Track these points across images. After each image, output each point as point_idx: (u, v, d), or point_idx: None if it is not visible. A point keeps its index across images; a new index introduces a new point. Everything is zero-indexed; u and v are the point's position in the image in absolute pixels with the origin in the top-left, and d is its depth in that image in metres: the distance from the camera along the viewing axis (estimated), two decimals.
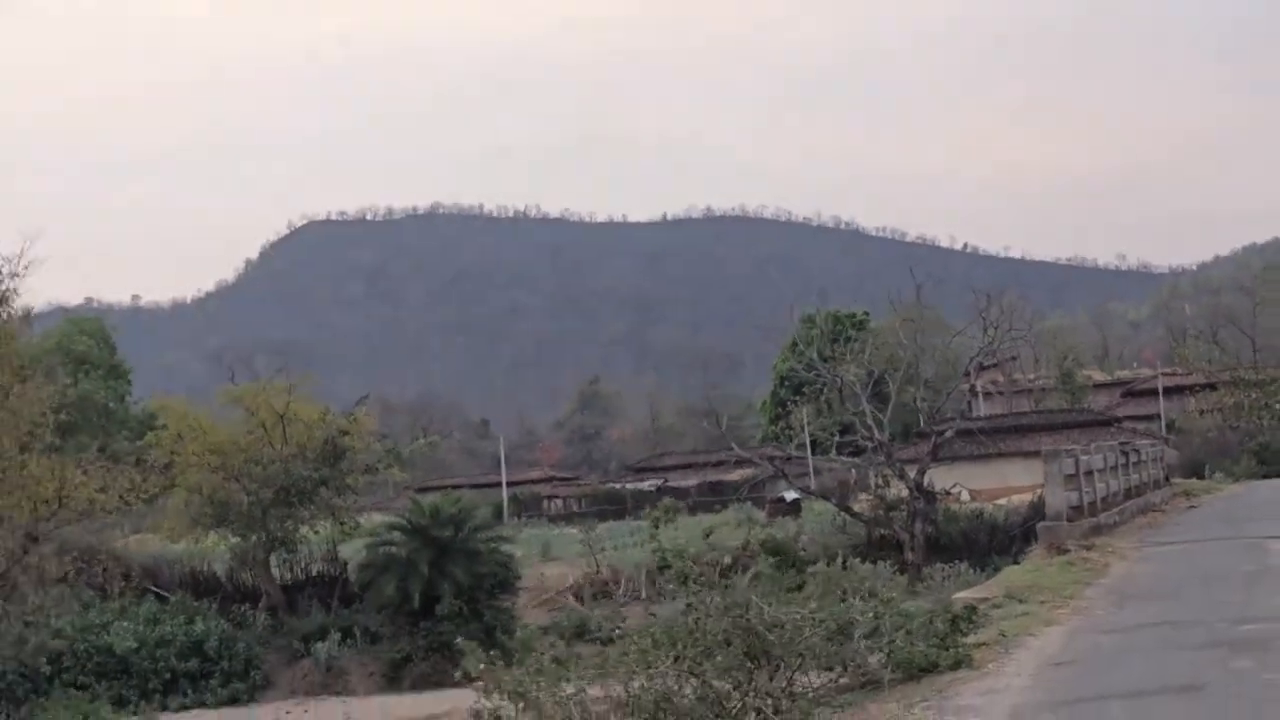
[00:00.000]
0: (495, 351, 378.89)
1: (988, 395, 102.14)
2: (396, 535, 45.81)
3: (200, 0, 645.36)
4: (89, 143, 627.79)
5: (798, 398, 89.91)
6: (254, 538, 47.53)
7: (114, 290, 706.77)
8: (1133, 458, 33.52)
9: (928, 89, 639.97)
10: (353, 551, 49.98)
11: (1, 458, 29.34)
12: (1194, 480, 50.12)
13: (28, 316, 32.28)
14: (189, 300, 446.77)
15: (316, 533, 49.31)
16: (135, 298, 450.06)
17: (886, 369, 57.71)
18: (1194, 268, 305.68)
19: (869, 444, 50.31)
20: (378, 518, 51.89)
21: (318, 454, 47.91)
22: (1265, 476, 58.37)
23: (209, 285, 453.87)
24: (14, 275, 31.72)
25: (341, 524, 48.93)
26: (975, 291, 46.97)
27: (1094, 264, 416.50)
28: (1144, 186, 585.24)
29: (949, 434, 50.91)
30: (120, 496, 34.20)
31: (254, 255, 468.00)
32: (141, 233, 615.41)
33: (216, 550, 51.21)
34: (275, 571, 49.70)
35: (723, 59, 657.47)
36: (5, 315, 31.40)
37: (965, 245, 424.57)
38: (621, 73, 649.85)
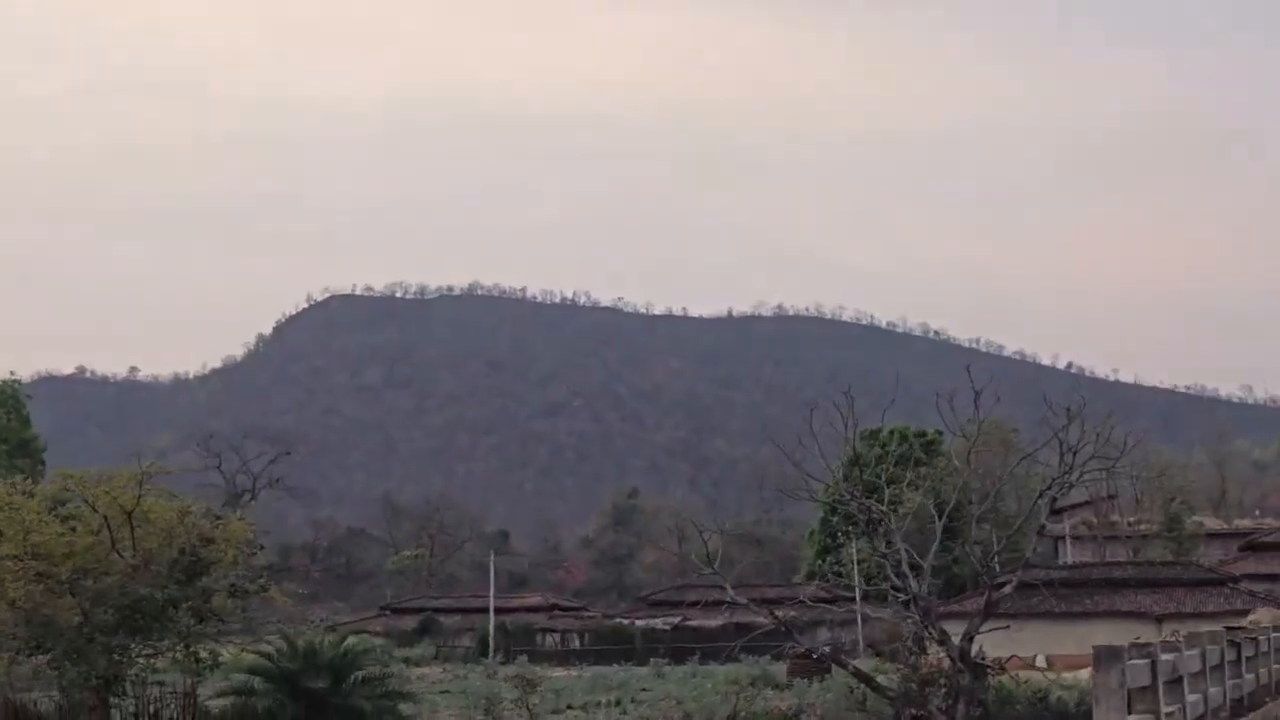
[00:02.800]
0: (527, 454, 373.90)
1: (1077, 539, 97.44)
2: (257, 681, 38.62)
3: (215, 36, 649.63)
4: (85, 191, 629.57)
5: (850, 528, 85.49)
6: (75, 671, 40.02)
7: (111, 361, 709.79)
8: (1246, 650, 26.05)
9: (1046, 189, 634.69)
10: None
11: None
12: None
13: None
14: (191, 376, 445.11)
15: (156, 669, 41.92)
16: (133, 370, 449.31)
17: (958, 499, 51.71)
18: None
19: (900, 595, 43.48)
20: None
21: (169, 567, 40.57)
22: None
23: (216, 361, 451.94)
24: None
25: (197, 658, 41.29)
26: (1049, 403, 40.27)
27: (1215, 394, 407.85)
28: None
29: (1008, 589, 43.84)
30: None
31: (267, 330, 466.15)
32: (149, 298, 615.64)
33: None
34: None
35: (804, 140, 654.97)
36: None
37: (1070, 365, 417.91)
38: (690, 148, 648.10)
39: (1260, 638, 28.69)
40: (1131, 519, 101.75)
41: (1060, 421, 40.88)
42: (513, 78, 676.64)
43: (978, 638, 42.69)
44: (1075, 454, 40.79)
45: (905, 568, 42.15)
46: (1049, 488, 43.66)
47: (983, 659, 43.07)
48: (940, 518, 48.09)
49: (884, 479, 60.18)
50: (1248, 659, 26.32)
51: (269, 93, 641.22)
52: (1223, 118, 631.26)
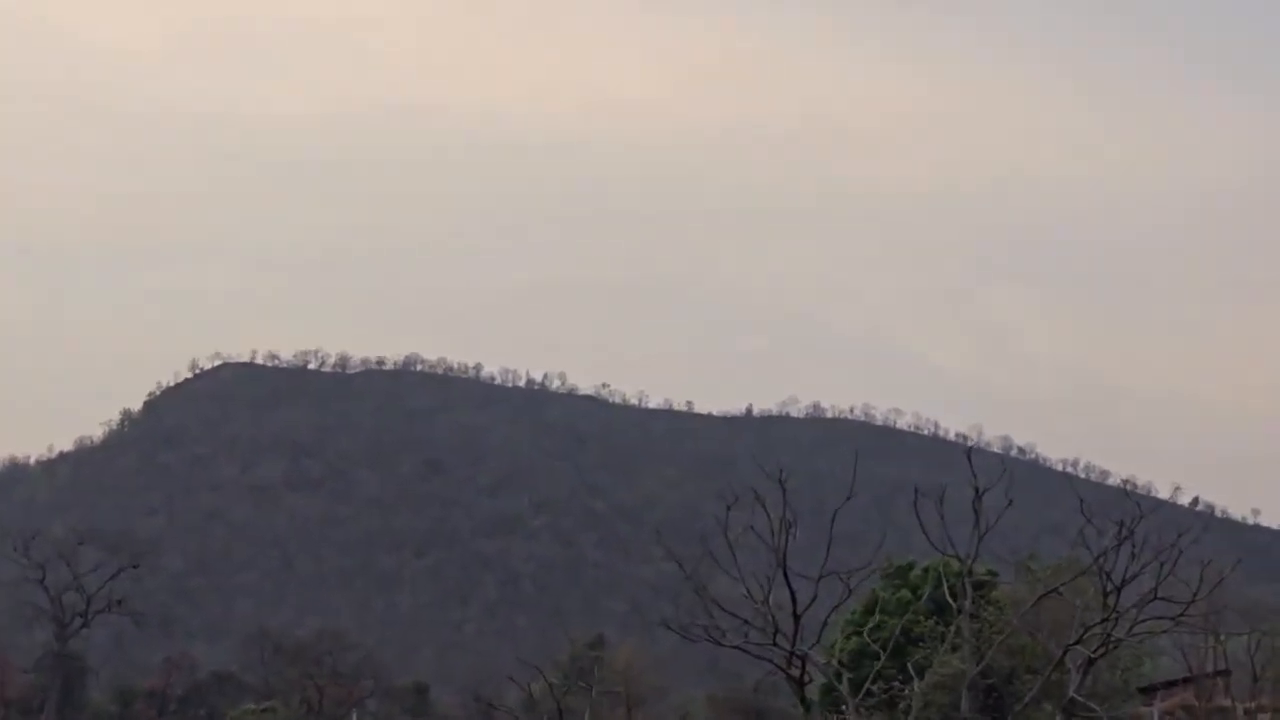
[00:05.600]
0: (470, 584, 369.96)
1: None
2: None
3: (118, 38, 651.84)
4: None
5: (860, 699, 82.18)
6: None
7: None
8: None
9: (1187, 271, 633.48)
10: None
11: None
12: None
13: None
14: (32, 462, 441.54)
15: None
16: None
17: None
18: None
19: None
20: None
21: None
22: None
23: (66, 443, 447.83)
24: None
25: None
26: (1088, 516, 36.22)
27: None
28: None
29: None
30: None
31: (136, 406, 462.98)
32: None
33: None
34: None
35: (866, 198, 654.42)
36: None
37: (1195, 501, 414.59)
38: (713, 196, 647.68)
39: None
40: (1248, 704, 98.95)
41: (1101, 538, 36.85)
42: (493, 98, 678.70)
43: None
44: (1120, 590, 36.79)
45: None
46: (1078, 641, 39.57)
47: None
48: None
49: (913, 632, 57.47)
50: None
51: (172, 105, 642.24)
52: None
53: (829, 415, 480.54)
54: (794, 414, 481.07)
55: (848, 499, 44.27)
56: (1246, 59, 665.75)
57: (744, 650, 44.33)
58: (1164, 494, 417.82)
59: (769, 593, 41.06)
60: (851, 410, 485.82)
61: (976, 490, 40.02)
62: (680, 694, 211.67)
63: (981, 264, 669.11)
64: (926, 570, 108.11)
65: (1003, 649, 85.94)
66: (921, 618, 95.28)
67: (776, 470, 40.70)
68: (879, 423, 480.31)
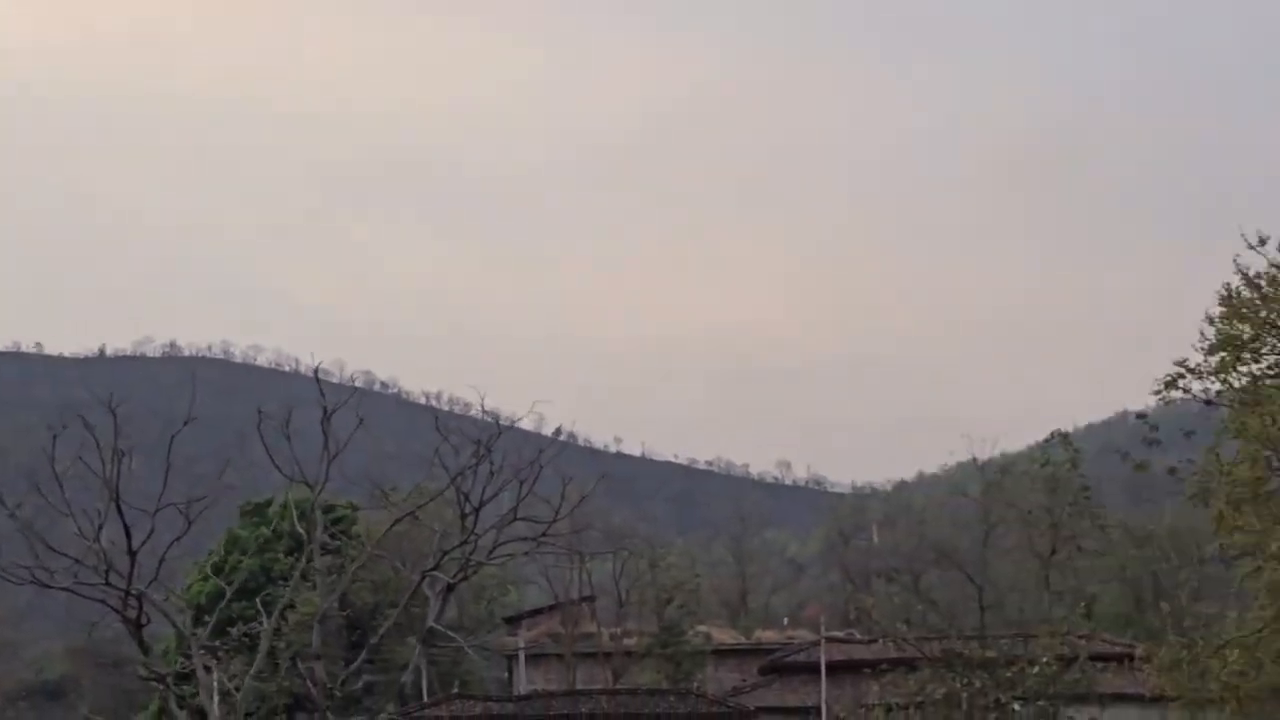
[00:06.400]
0: None
1: (538, 659, 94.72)
2: None
3: None
4: None
5: (219, 642, 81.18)
6: None
7: None
8: None
9: (551, 219, 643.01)
10: None
11: None
12: None
13: None
14: None
15: None
16: None
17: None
18: (887, 486, 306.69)
19: None
20: None
21: None
22: None
23: None
24: None
25: None
26: (444, 434, 35.55)
27: (744, 472, 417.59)
28: (831, 376, 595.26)
29: None
30: None
31: None
32: None
33: None
34: None
35: (211, 136, 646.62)
36: None
37: (559, 430, 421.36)
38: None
39: None
40: (614, 629, 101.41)
41: (459, 458, 36.16)
42: None
43: None
44: (479, 512, 36.32)
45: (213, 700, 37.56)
46: (435, 567, 39.11)
47: None
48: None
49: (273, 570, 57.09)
50: None
51: None
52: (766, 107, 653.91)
53: (186, 354, 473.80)
54: (149, 354, 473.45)
55: (185, 424, 42.32)
56: None
57: (74, 592, 41.89)
58: (528, 425, 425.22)
59: (99, 528, 38.62)
60: (210, 349, 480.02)
61: (325, 410, 38.79)
62: (37, 648, 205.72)
63: (345, 195, 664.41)
64: (284, 507, 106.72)
65: (365, 583, 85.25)
66: (281, 555, 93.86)
67: (108, 397, 38.39)
68: (238, 360, 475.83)
